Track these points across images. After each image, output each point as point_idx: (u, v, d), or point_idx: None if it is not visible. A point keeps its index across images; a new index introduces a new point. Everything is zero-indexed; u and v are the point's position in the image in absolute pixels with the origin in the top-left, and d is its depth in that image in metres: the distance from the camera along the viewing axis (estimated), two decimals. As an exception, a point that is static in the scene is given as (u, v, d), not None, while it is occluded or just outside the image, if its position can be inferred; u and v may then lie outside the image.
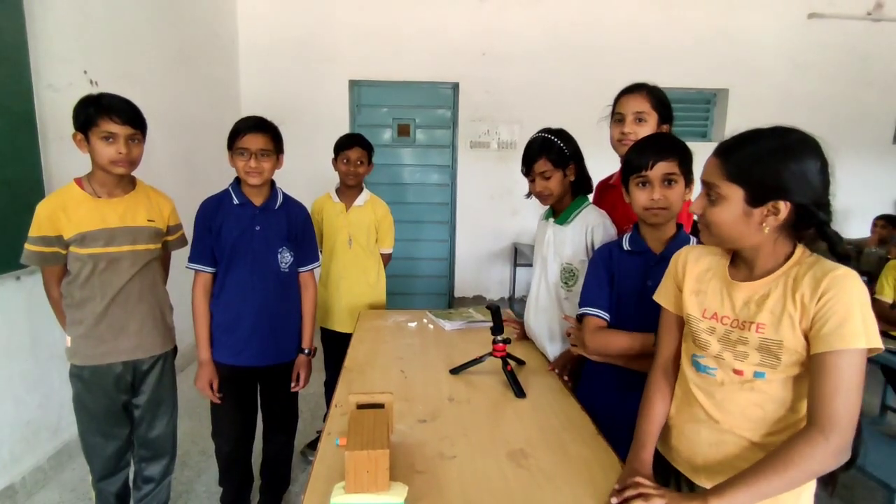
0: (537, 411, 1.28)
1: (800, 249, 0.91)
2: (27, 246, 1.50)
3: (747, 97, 4.51)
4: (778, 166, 0.85)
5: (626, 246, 1.34)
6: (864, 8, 4.55)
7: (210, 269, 1.69)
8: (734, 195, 0.89)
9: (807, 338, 0.86)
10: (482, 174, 4.53)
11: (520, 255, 4.66)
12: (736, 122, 4.53)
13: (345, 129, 4.41)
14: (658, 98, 1.54)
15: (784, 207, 0.86)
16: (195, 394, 1.94)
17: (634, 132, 1.52)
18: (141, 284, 1.60)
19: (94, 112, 1.44)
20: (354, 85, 4.43)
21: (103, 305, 1.54)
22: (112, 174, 1.51)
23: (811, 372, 0.85)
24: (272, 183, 1.74)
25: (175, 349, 1.76)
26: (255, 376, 1.76)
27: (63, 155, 2.20)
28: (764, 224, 0.88)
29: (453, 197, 4.66)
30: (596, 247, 1.47)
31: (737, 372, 0.94)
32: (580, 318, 1.38)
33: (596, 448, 1.11)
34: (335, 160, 2.25)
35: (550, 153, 1.50)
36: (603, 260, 1.37)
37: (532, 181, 1.56)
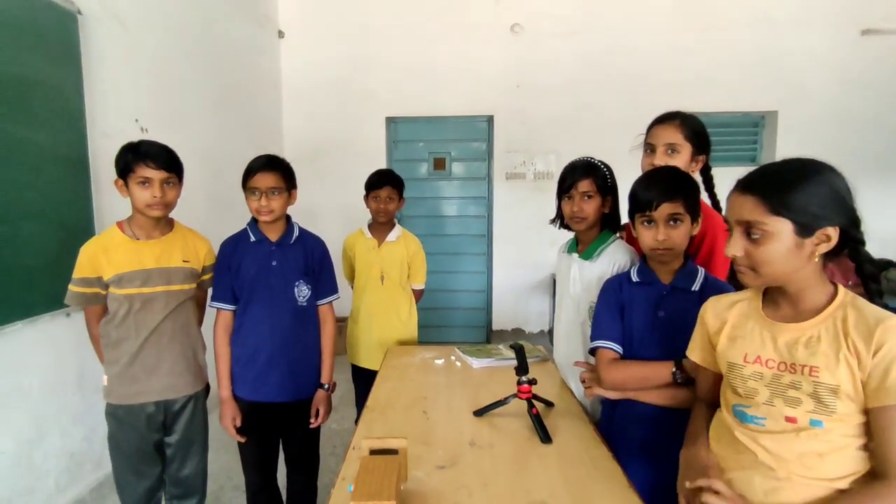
0: (563, 459, 1.19)
1: (842, 291, 0.88)
2: (70, 287, 1.58)
3: (798, 118, 4.30)
4: (820, 193, 0.84)
5: (634, 278, 1.32)
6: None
7: (230, 307, 1.71)
8: (783, 229, 0.85)
9: (863, 387, 0.82)
10: (518, 205, 4.49)
11: (559, 287, 4.53)
12: (787, 144, 4.33)
13: (381, 165, 4.50)
14: (692, 128, 1.46)
15: (834, 233, 0.84)
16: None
17: (665, 164, 1.44)
18: (174, 324, 1.62)
19: (132, 159, 1.51)
20: (391, 122, 4.54)
21: (137, 345, 1.57)
22: (149, 217, 1.57)
23: (873, 425, 0.82)
24: (288, 218, 1.77)
25: (207, 388, 1.77)
26: (275, 412, 1.75)
27: (114, 199, 2.33)
28: (815, 253, 0.85)
29: (489, 228, 4.63)
30: None
31: (789, 419, 0.87)
32: (593, 352, 1.35)
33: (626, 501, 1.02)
34: (366, 197, 2.27)
35: (597, 176, 1.48)
36: (613, 292, 1.34)
37: (569, 198, 1.50)
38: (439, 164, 4.60)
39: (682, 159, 1.46)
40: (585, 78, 4.38)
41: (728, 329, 0.97)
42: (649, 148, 1.51)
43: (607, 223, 1.53)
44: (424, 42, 4.42)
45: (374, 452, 1.04)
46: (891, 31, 4.25)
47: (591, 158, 1.53)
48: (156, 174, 1.52)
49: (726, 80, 4.31)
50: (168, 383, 1.62)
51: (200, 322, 1.77)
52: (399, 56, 4.43)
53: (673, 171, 1.28)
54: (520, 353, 1.37)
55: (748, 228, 0.88)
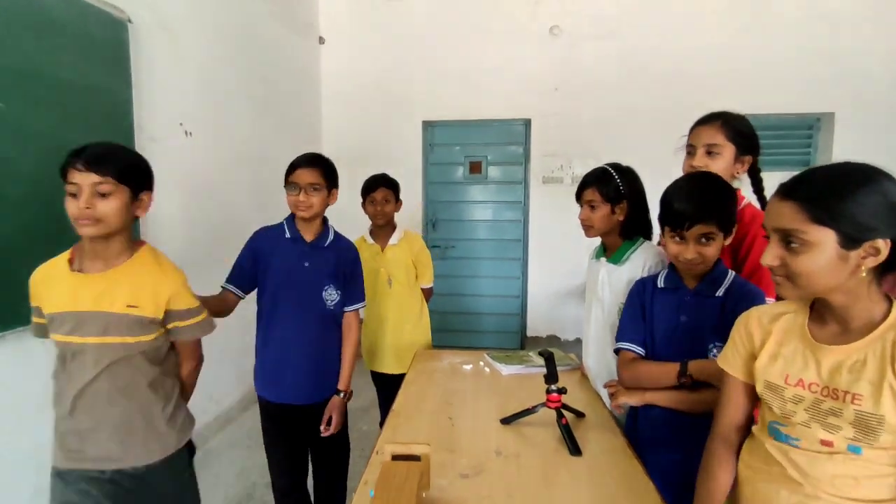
0: (593, 473, 1.14)
1: None
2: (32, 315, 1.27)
3: (856, 121, 4.05)
4: (870, 202, 0.75)
5: (661, 283, 1.30)
6: None
7: (242, 293, 1.72)
8: (825, 239, 0.77)
9: None
10: (555, 210, 4.40)
11: (596, 294, 4.43)
12: (843, 148, 4.07)
13: (418, 169, 4.52)
14: (736, 129, 1.40)
15: (885, 246, 0.75)
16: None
17: (705, 166, 1.40)
18: (110, 385, 1.20)
19: (66, 163, 1.14)
20: (428, 125, 4.55)
21: (69, 403, 1.20)
22: (86, 238, 1.18)
23: None
24: (325, 220, 1.77)
25: (187, 448, 1.37)
26: (302, 414, 1.76)
27: (158, 198, 2.43)
28: (862, 267, 0.77)
29: (525, 233, 4.57)
30: None
31: (825, 443, 0.80)
32: (617, 352, 1.36)
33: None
34: (363, 203, 2.26)
35: (603, 185, 1.46)
36: (638, 295, 1.34)
37: (581, 207, 1.53)
38: (475, 167, 4.57)
39: (723, 161, 1.39)
40: (626, 80, 4.26)
41: (770, 345, 0.89)
42: (690, 149, 1.46)
43: (632, 229, 1.49)
44: (462, 45, 4.41)
45: (396, 458, 1.02)
46: None
47: (611, 165, 1.51)
48: (84, 178, 1.11)
49: (778, 80, 4.10)
50: (107, 453, 1.22)
51: (176, 374, 1.35)
52: (436, 60, 4.44)
53: (708, 183, 1.22)
54: (549, 360, 1.32)
55: (787, 237, 0.81)
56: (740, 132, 1.40)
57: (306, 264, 1.71)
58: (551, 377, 1.33)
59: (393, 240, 2.27)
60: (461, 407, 1.50)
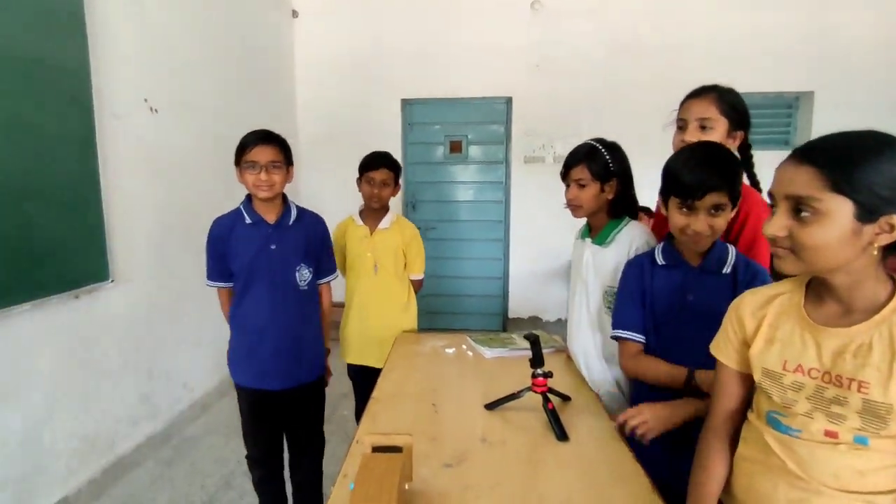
0: (581, 459, 1.11)
1: None
2: None
3: (835, 100, 4.06)
4: (893, 173, 0.69)
5: (659, 260, 1.22)
6: None
7: (228, 284, 1.68)
8: (841, 210, 0.71)
9: None
10: (537, 190, 4.36)
11: (578, 274, 4.42)
12: (823, 127, 4.08)
13: (397, 149, 4.41)
14: (729, 102, 1.35)
15: None
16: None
17: (697, 140, 1.35)
18: None
19: None
20: (406, 103, 4.43)
21: None
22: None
23: None
24: (284, 197, 1.68)
25: None
26: (279, 399, 1.70)
27: (121, 178, 2.31)
28: (874, 244, 0.71)
29: (507, 214, 4.52)
30: None
31: (829, 434, 0.76)
32: (615, 338, 1.31)
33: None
34: (359, 180, 2.09)
35: (592, 163, 1.39)
36: (635, 277, 1.26)
37: (567, 187, 1.46)
38: (455, 147, 4.48)
39: (716, 135, 1.35)
40: (609, 57, 4.19)
41: (765, 329, 0.85)
42: (680, 123, 1.41)
43: (619, 208, 1.44)
44: (441, 21, 4.28)
45: (376, 450, 0.97)
46: None
47: (597, 141, 1.44)
48: None
49: (760, 58, 4.07)
50: None
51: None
52: (415, 35, 4.30)
53: (718, 151, 1.16)
54: (535, 344, 1.28)
55: (798, 205, 0.74)
56: (733, 106, 1.35)
57: (273, 247, 1.63)
58: (537, 361, 1.29)
59: (384, 223, 2.11)
60: (445, 392, 1.45)
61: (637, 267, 1.26)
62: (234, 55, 3.43)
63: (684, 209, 1.13)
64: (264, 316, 1.62)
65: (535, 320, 4.61)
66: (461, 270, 4.57)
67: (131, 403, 2.46)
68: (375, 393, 1.44)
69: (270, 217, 1.64)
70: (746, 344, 0.88)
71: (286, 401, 1.70)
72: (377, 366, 1.88)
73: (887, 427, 0.71)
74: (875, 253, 0.72)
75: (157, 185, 2.61)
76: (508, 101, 4.35)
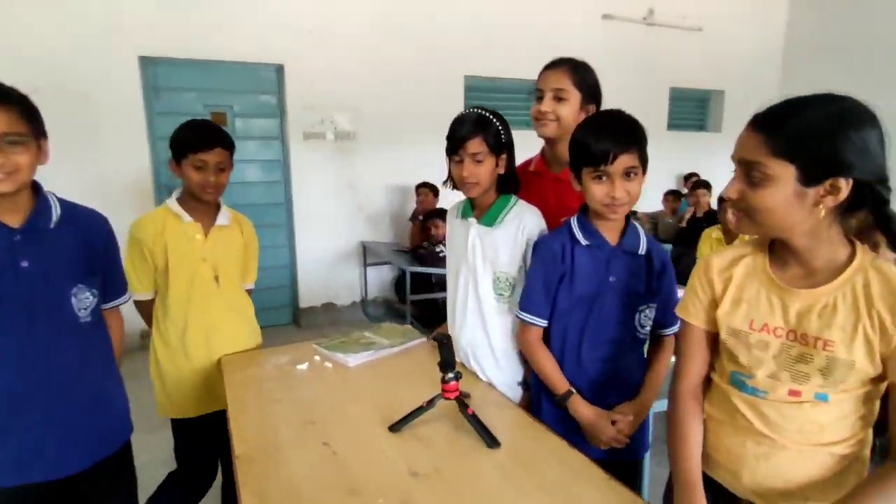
0: (526, 465, 1.00)
1: (861, 250, 0.80)
2: None
3: (741, 99, 5.22)
4: (837, 138, 0.73)
5: (582, 240, 1.19)
6: (640, 14, 5.24)
7: None
8: (784, 174, 0.75)
9: (883, 361, 0.77)
10: (320, 169, 4.03)
11: (369, 255, 4.32)
12: (733, 122, 4.85)
13: (138, 119, 3.50)
14: (581, 76, 1.40)
15: (845, 185, 0.74)
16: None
17: (553, 111, 1.39)
18: None
19: None
20: (148, 63, 3.52)
21: None
22: None
23: (893, 400, 0.78)
24: (37, 188, 1.11)
25: None
26: (66, 490, 1.14)
27: None
28: (820, 206, 0.76)
29: (288, 196, 4.08)
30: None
31: (793, 393, 0.82)
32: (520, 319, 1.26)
33: (614, 494, 0.90)
34: (178, 163, 1.47)
35: (488, 133, 1.25)
36: (553, 257, 1.20)
37: (459, 163, 1.28)
38: (218, 119, 3.78)
39: (569, 107, 1.39)
40: (382, 28, 4.10)
41: (732, 290, 0.88)
42: (538, 93, 1.43)
43: (505, 184, 1.36)
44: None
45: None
46: (625, 19, 5.09)
47: (482, 109, 1.30)
48: None
49: (509, 47, 4.53)
50: None
51: None
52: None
53: (621, 116, 1.15)
54: (445, 345, 1.11)
55: (749, 169, 0.79)
56: (585, 80, 1.40)
57: (24, 264, 1.05)
58: (447, 364, 1.12)
59: (222, 220, 1.56)
60: (328, 424, 1.16)
61: (557, 247, 1.19)
62: None
63: (600, 178, 1.10)
64: (23, 372, 1.04)
65: (329, 307, 4.35)
66: (241, 264, 3.98)
67: None
68: (239, 450, 1.05)
69: (13, 219, 1.04)
70: (715, 304, 0.90)
71: (76, 490, 1.13)
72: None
73: (845, 382, 0.79)
74: (822, 215, 0.76)
75: None
76: (280, 68, 3.87)
